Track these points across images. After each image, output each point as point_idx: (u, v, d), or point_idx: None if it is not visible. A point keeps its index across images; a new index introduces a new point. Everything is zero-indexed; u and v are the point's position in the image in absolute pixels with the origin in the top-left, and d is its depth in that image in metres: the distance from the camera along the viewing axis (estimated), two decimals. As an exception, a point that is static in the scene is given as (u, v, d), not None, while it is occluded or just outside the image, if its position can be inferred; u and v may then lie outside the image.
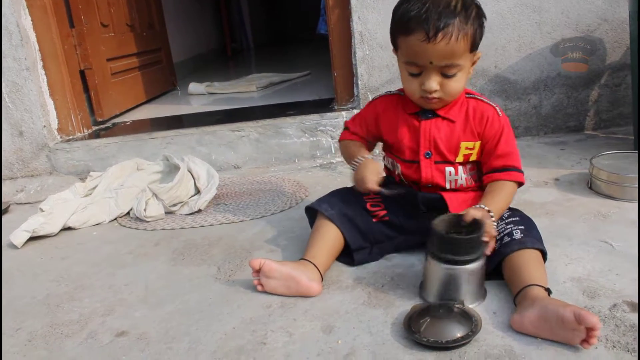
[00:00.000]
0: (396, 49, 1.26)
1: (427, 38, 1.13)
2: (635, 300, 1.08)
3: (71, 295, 1.34)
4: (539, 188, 1.74)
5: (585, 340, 0.93)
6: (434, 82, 1.19)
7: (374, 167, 1.28)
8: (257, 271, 1.23)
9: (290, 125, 2.20)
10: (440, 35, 1.13)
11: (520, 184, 1.29)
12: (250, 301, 1.22)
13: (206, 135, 2.23)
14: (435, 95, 1.21)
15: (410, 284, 1.21)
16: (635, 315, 1.04)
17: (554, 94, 2.26)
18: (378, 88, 2.21)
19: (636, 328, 0.99)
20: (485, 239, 1.12)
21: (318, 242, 1.29)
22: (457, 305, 1.06)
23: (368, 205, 1.34)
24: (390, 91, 1.41)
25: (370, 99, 1.46)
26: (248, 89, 3.25)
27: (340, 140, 1.47)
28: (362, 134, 1.41)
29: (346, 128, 1.45)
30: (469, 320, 1.03)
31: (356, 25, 2.16)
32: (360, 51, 2.18)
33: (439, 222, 1.14)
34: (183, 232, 1.67)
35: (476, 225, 1.11)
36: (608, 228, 1.42)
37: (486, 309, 1.10)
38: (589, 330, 0.92)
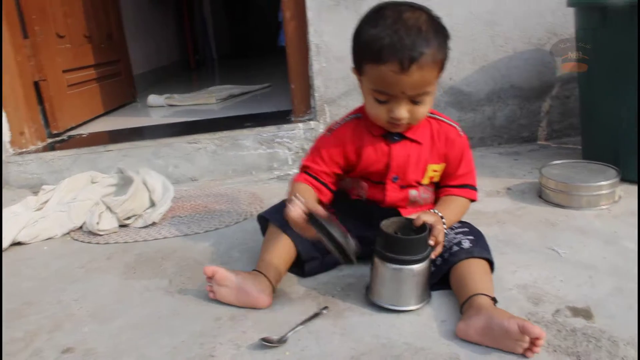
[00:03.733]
0: (360, 73, 1.20)
1: (401, 69, 1.09)
2: (578, 305, 1.11)
3: (18, 313, 1.30)
4: (491, 197, 1.77)
5: (529, 349, 0.96)
6: (403, 110, 1.16)
7: (311, 202, 1.14)
8: (210, 278, 1.22)
9: (247, 137, 2.20)
10: (414, 66, 1.08)
11: (472, 200, 1.33)
12: (200, 314, 1.21)
13: (163, 148, 2.21)
14: (403, 121, 1.19)
15: (360, 294, 1.22)
16: (577, 319, 1.06)
17: (508, 105, 2.31)
18: (334, 100, 2.22)
19: (577, 332, 1.02)
20: (431, 242, 1.14)
21: (270, 253, 1.29)
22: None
23: (320, 215, 1.35)
24: (345, 118, 1.34)
25: (326, 130, 1.35)
26: (208, 101, 3.23)
27: (293, 182, 1.32)
28: (328, 171, 1.30)
29: (305, 171, 1.32)
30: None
31: (312, 38, 2.17)
32: (317, 63, 2.20)
33: (388, 223, 1.16)
34: (136, 246, 1.64)
35: (424, 228, 1.13)
36: (555, 236, 1.45)
37: (435, 317, 1.11)
38: (534, 339, 0.94)
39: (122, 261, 1.54)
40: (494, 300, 1.07)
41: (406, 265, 1.12)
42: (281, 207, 1.38)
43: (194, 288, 1.33)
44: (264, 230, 1.38)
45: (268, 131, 2.21)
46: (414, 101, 1.16)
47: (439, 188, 1.34)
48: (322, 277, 1.31)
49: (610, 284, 1.19)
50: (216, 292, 1.22)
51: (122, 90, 3.47)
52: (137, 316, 1.23)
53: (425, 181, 1.31)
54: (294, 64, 2.28)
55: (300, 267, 1.32)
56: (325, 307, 1.17)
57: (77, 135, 2.61)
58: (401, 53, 1.08)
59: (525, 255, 1.35)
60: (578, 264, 1.28)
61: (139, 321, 1.21)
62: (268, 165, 2.23)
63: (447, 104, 2.29)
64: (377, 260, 1.15)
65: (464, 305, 1.08)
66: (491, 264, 1.19)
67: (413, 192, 1.31)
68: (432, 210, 1.22)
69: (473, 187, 1.32)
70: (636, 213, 1.56)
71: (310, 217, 1.10)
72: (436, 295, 1.19)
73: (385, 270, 1.13)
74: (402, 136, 1.27)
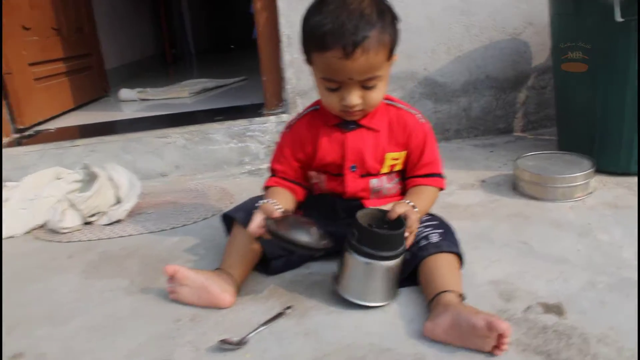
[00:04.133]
0: (310, 62, 1.18)
1: (345, 55, 1.07)
2: (549, 301, 1.08)
3: (-30, 316, 1.25)
4: (466, 190, 1.73)
5: (497, 347, 0.92)
6: (355, 97, 1.14)
7: (269, 208, 1.14)
8: (172, 278, 1.17)
9: (218, 130, 2.14)
10: (359, 51, 1.06)
11: (441, 189, 1.29)
12: (160, 314, 1.16)
13: (131, 143, 2.15)
14: (357, 108, 1.16)
15: (327, 293, 1.17)
16: (548, 316, 1.03)
17: (483, 96, 2.28)
18: (307, 92, 2.17)
19: (548, 329, 0.98)
20: (406, 234, 1.10)
21: (234, 252, 1.24)
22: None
23: (285, 212, 1.30)
24: (302, 112, 1.34)
25: (286, 127, 1.35)
26: (181, 94, 3.16)
27: (264, 188, 1.32)
28: (293, 168, 1.30)
29: (272, 174, 1.32)
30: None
31: (283, 29, 2.12)
32: (288, 54, 2.14)
33: (363, 215, 1.12)
34: (100, 244, 1.59)
35: (400, 222, 1.09)
36: (529, 229, 1.42)
37: (402, 316, 1.07)
38: (500, 336, 0.91)
39: (84, 260, 1.48)
40: (462, 297, 1.03)
41: (380, 260, 1.07)
42: (246, 205, 1.34)
43: (156, 287, 1.28)
44: (228, 229, 1.33)
45: (239, 125, 2.15)
46: (365, 86, 1.13)
47: (406, 179, 1.31)
48: (288, 275, 1.27)
49: (583, 278, 1.16)
50: (177, 292, 1.18)
51: (93, 84, 3.39)
52: (95, 317, 1.18)
53: (385, 170, 1.27)
54: (265, 56, 2.22)
55: (265, 265, 1.27)
56: (289, 307, 1.12)
57: (45, 130, 2.53)
58: (344, 38, 1.06)
59: (498, 249, 1.32)
60: (551, 258, 1.25)
61: (96, 323, 1.15)
62: (239, 159, 2.17)
63: (422, 95, 2.25)
64: (349, 252, 1.10)
65: (431, 302, 1.04)
66: (460, 258, 1.16)
67: (374, 181, 1.28)
68: (404, 201, 1.18)
69: (440, 175, 1.29)
70: (611, 204, 1.53)
71: (269, 231, 1.08)
72: (404, 292, 1.15)
73: (357, 263, 1.09)
74: (358, 124, 1.24)
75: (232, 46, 7.39)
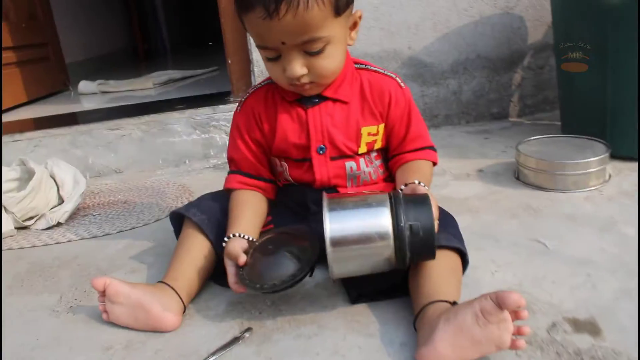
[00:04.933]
0: (246, 30, 0.98)
1: (268, 14, 0.86)
2: (579, 316, 0.85)
3: None
4: (461, 181, 1.51)
5: (517, 332, 0.72)
6: (296, 66, 0.93)
7: (232, 252, 0.93)
8: (103, 293, 0.94)
9: (179, 121, 1.89)
10: (282, 7, 0.85)
11: (434, 163, 1.08)
12: (88, 341, 0.92)
13: (81, 136, 1.90)
14: (304, 80, 0.95)
15: (296, 308, 0.94)
16: (580, 336, 0.80)
17: (475, 77, 2.05)
18: (278, 74, 1.94)
19: (583, 355, 0.75)
20: None
21: (182, 259, 1.01)
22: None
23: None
24: (258, 84, 1.12)
25: (238, 104, 1.12)
26: (144, 85, 2.91)
27: (226, 190, 1.11)
28: (254, 154, 1.09)
29: (233, 168, 1.11)
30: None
31: (250, 3, 1.88)
32: (256, 33, 1.91)
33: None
34: (33, 252, 1.34)
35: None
36: (540, 224, 1.20)
37: (391, 339, 0.84)
38: (516, 315, 0.72)
39: (10, 272, 1.24)
40: (455, 304, 0.80)
41: (397, 255, 0.82)
42: (201, 201, 1.12)
43: (89, 305, 1.04)
44: (177, 230, 1.10)
45: (202, 113, 1.90)
46: (309, 52, 0.92)
47: (391, 158, 1.09)
48: (249, 287, 1.03)
49: (615, 283, 0.93)
50: (109, 311, 0.94)
51: (50, 76, 3.12)
52: (5, 347, 0.93)
53: (363, 149, 1.05)
54: (230, 36, 1.98)
55: (221, 275, 1.02)
56: (248, 329, 0.89)
57: (-14, 125, 2.27)
58: None
59: (506, 250, 1.09)
60: (571, 259, 1.03)
61: (6, 354, 0.91)
62: (204, 152, 1.93)
63: (407, 77, 2.01)
64: (387, 215, 0.82)
65: (417, 319, 0.81)
66: (463, 257, 0.93)
67: (350, 164, 1.05)
68: (416, 182, 0.93)
69: (432, 148, 1.08)
70: (632, 193, 1.31)
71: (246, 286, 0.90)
72: (391, 308, 0.92)
73: (377, 234, 0.81)
74: (322, 97, 1.03)
75: (210, 43, 7.11)
